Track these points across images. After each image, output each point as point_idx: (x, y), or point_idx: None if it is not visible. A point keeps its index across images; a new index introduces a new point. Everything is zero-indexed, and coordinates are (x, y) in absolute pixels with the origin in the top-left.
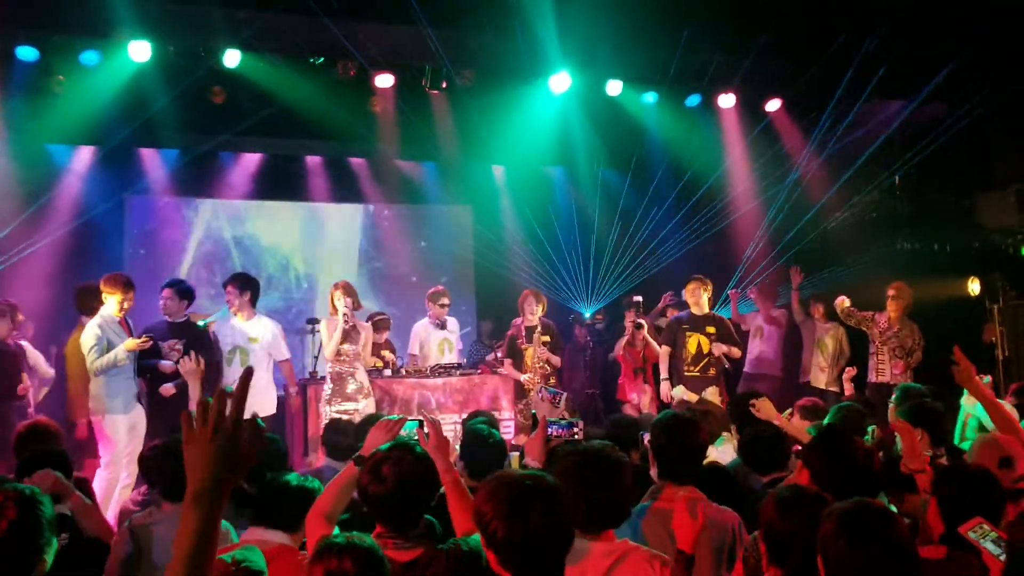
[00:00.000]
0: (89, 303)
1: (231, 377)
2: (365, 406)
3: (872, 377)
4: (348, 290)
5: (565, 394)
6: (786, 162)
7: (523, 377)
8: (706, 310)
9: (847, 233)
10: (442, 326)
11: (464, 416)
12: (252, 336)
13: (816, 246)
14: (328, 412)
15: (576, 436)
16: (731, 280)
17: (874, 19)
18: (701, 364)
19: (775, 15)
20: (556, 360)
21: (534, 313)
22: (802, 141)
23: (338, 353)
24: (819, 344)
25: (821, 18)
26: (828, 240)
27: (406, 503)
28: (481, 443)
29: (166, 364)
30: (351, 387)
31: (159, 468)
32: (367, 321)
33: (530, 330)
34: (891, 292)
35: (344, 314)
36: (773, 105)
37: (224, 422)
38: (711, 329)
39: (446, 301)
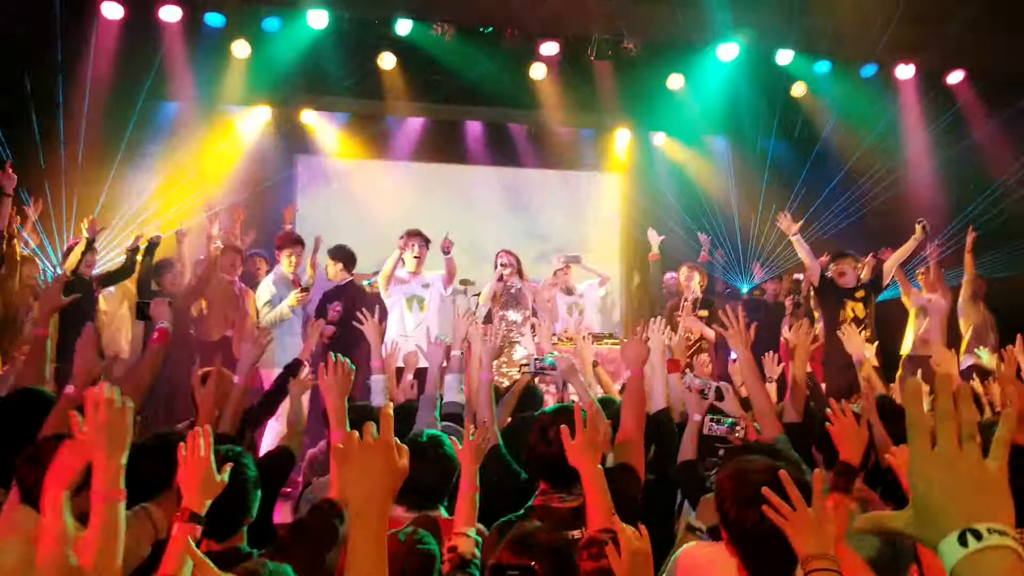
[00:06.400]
0: None
1: (413, 322)
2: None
3: None
4: (510, 256)
5: (715, 385)
6: (967, 136)
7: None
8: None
9: None
10: (569, 292)
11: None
12: (426, 283)
13: (996, 224)
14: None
15: (738, 436)
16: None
17: None
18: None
19: None
20: (710, 333)
21: (691, 290)
22: (985, 115)
23: (501, 318)
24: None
25: None
26: (1009, 218)
27: (568, 465)
28: None
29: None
30: (517, 354)
31: None
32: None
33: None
34: None
35: (502, 278)
36: (956, 77)
37: (387, 437)
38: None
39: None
